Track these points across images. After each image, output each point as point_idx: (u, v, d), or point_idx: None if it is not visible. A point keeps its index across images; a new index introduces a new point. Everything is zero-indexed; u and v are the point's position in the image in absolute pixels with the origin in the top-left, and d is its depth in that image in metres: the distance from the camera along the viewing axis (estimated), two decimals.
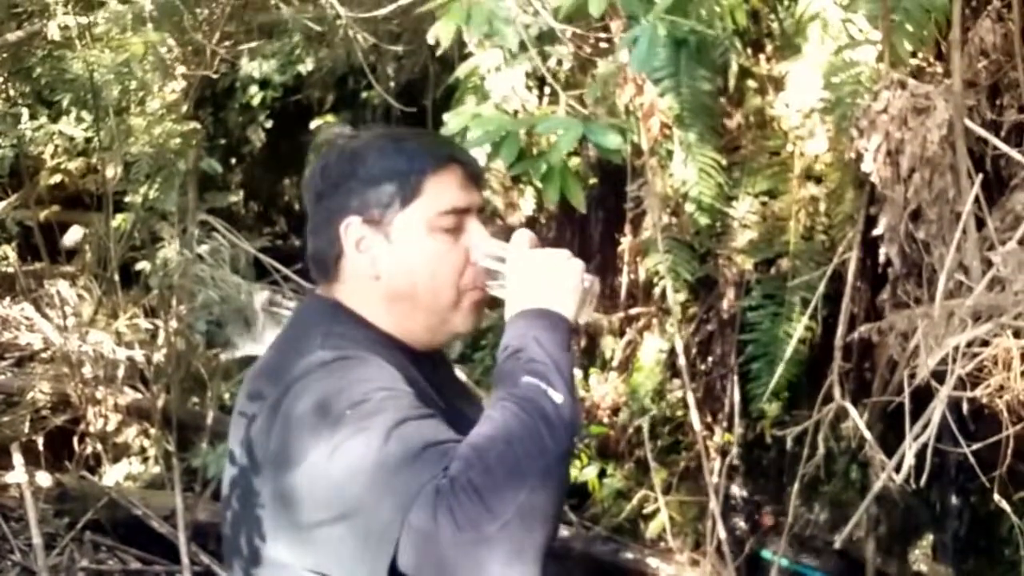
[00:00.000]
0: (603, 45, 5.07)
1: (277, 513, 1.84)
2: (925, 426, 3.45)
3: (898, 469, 3.52)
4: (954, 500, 5.40)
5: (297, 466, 1.78)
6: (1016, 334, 3.41)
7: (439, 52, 4.87)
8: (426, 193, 1.98)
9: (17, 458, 6.04)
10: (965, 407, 3.64)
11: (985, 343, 3.48)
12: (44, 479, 6.10)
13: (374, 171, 1.99)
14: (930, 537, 5.74)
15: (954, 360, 3.36)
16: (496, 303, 2.05)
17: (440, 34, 3.21)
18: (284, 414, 1.82)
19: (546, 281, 1.93)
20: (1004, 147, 3.82)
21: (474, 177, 2.05)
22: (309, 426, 1.78)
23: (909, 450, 3.33)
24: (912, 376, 3.62)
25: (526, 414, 1.74)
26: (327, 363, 1.85)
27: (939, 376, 3.50)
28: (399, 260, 1.98)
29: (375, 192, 1.98)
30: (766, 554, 5.94)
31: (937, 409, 3.36)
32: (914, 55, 4.37)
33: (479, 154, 4.85)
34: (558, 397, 1.78)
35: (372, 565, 1.72)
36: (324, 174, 2.04)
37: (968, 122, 3.78)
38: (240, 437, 1.93)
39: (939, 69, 4.50)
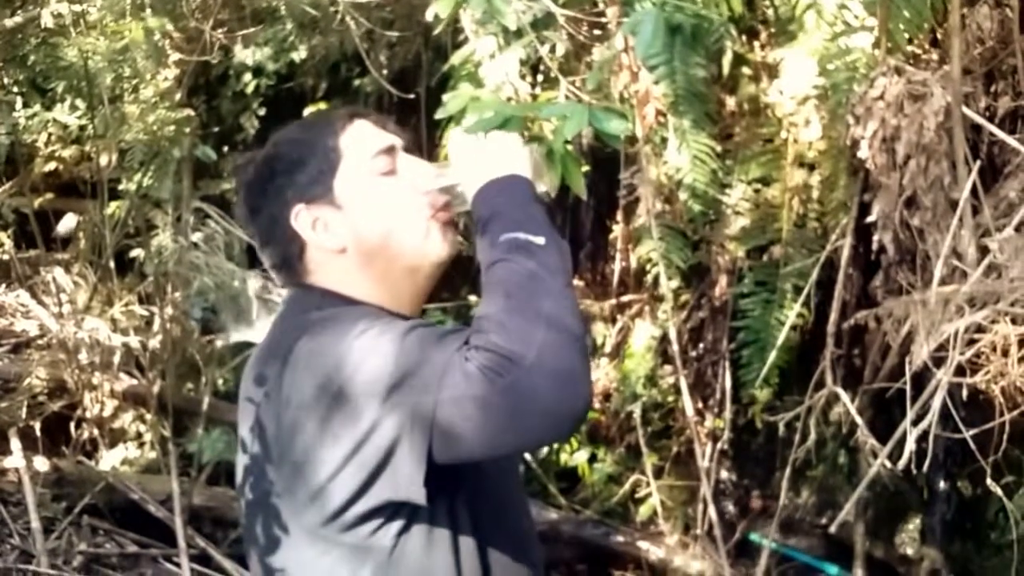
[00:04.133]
0: (596, 32, 5.10)
1: (296, 481, 1.83)
2: (922, 412, 3.48)
3: (891, 455, 3.56)
4: (942, 484, 5.43)
5: (315, 407, 1.78)
6: (1014, 320, 3.45)
7: (435, 32, 4.86)
8: (347, 150, 1.99)
9: (15, 443, 6.05)
10: (961, 393, 3.68)
11: (980, 329, 3.52)
12: (42, 464, 6.11)
13: (292, 157, 2.01)
14: (918, 521, 5.79)
15: (953, 347, 3.38)
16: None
17: (439, 9, 3.22)
18: (290, 376, 1.82)
19: (491, 155, 1.95)
20: (1001, 134, 3.86)
21: (381, 123, 2.07)
22: (320, 366, 1.78)
23: (910, 435, 3.35)
24: (909, 362, 3.65)
25: (516, 264, 1.77)
26: (325, 318, 1.87)
27: (933, 363, 3.54)
28: (357, 218, 1.98)
29: (303, 173, 1.99)
30: (755, 537, 5.99)
31: (937, 395, 3.38)
32: (910, 42, 4.40)
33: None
34: (540, 239, 1.81)
35: (411, 462, 1.73)
36: (250, 191, 2.04)
37: (965, 109, 3.81)
38: (249, 424, 1.93)
39: (935, 56, 4.54)
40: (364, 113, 2.08)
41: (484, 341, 1.69)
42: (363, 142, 2.01)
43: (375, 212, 1.98)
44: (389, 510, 1.81)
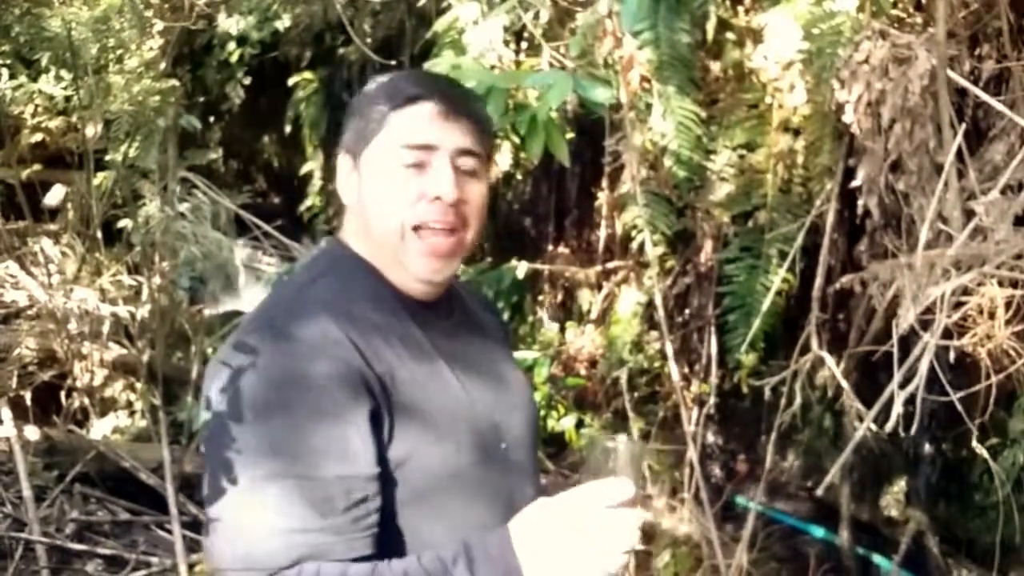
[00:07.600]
0: None
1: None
2: (909, 376, 3.48)
3: (877, 418, 3.57)
4: (927, 447, 5.47)
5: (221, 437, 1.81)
6: (1000, 283, 3.47)
7: (419, 3, 4.85)
8: (389, 127, 1.97)
9: (5, 413, 6.04)
10: (947, 356, 3.70)
11: (966, 292, 3.54)
12: (32, 433, 6.10)
13: (354, 107, 2.05)
14: (903, 483, 5.83)
15: (940, 310, 3.39)
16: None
17: None
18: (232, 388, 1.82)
19: (574, 557, 1.74)
20: (986, 97, 3.86)
21: (448, 115, 1.97)
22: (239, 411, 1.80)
23: (897, 399, 3.35)
24: (895, 326, 3.66)
25: None
26: (293, 333, 1.84)
27: (919, 326, 3.55)
28: (363, 191, 1.99)
29: (353, 126, 2.02)
30: (741, 500, 6.03)
31: (924, 358, 3.37)
32: (894, 5, 4.40)
33: None
34: None
35: None
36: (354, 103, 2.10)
37: (950, 72, 3.81)
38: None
39: (919, 19, 4.53)
40: (437, 99, 1.99)
41: None
42: (406, 127, 1.96)
43: (372, 195, 1.97)
44: None
